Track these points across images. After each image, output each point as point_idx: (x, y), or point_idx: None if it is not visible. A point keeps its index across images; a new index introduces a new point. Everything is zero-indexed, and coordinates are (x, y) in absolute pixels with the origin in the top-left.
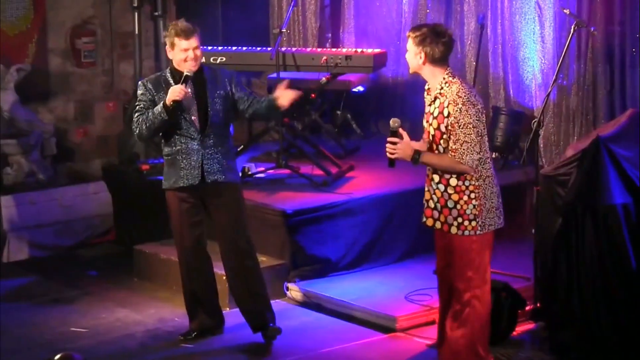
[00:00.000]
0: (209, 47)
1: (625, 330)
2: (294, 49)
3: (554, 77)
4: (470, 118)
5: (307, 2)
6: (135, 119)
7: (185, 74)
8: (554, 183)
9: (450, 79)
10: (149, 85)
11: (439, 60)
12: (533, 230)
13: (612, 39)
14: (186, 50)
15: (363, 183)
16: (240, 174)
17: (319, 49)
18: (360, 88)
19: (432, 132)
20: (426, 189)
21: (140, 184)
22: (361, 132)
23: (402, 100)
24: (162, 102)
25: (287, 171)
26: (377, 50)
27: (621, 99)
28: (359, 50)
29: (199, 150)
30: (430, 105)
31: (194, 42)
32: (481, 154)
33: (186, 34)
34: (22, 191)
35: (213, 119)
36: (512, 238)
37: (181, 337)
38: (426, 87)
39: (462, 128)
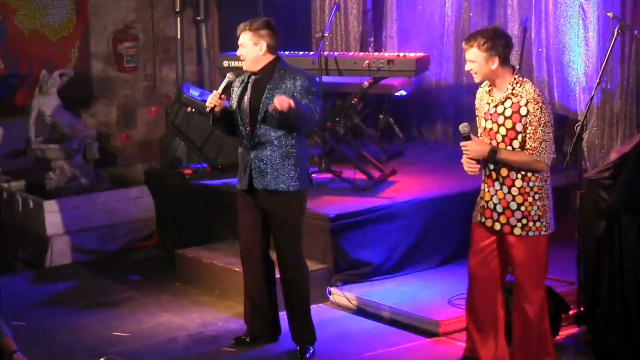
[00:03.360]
0: None
1: None
2: (336, 53)
3: (598, 80)
4: (550, 117)
5: (349, 6)
6: None
7: (227, 76)
8: (598, 187)
9: (520, 78)
10: (235, 80)
11: (508, 60)
12: (577, 234)
13: None
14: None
15: (405, 187)
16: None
17: (361, 53)
18: (403, 92)
19: (503, 132)
20: (485, 189)
21: (183, 189)
22: (403, 136)
23: (445, 104)
24: None
25: (329, 175)
26: (419, 54)
27: None
28: (402, 54)
29: (249, 154)
30: (497, 106)
31: (240, 39)
32: (555, 154)
33: (238, 31)
34: (64, 196)
35: (262, 123)
36: (555, 242)
37: (234, 340)
38: (487, 89)
39: (542, 126)
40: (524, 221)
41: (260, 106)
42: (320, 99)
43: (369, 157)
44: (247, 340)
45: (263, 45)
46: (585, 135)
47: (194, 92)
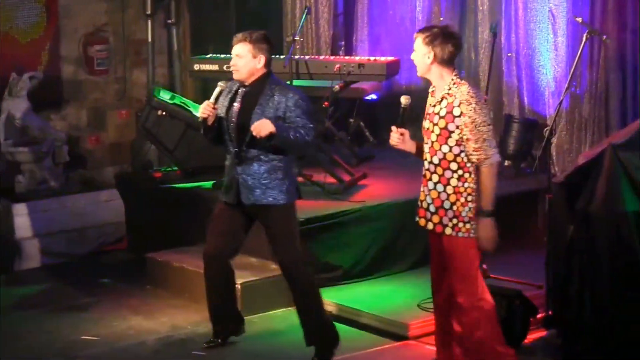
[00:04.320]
0: (222, 55)
1: (637, 340)
2: (307, 57)
3: (567, 85)
4: (485, 116)
5: (320, 10)
6: None
7: (219, 85)
8: (567, 191)
9: (458, 80)
10: (226, 88)
11: (448, 61)
12: (545, 238)
13: (625, 47)
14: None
15: (376, 191)
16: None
17: (332, 57)
18: (373, 96)
19: (437, 131)
20: (422, 188)
21: (153, 192)
22: (374, 140)
23: (415, 108)
24: None
25: (300, 179)
26: (390, 58)
27: (633, 107)
28: (372, 58)
29: (236, 168)
30: (434, 106)
31: (236, 49)
32: (498, 147)
33: (234, 39)
34: (34, 199)
35: (250, 138)
36: (524, 246)
37: (205, 344)
38: (430, 90)
39: (479, 126)
40: (455, 221)
41: (250, 122)
42: (312, 119)
43: (340, 161)
44: (219, 342)
45: (262, 59)
46: (555, 140)
47: (165, 96)
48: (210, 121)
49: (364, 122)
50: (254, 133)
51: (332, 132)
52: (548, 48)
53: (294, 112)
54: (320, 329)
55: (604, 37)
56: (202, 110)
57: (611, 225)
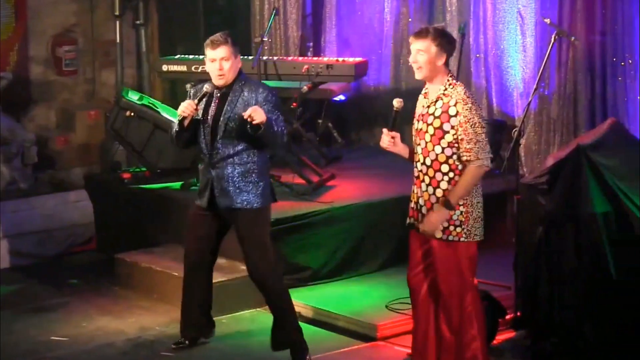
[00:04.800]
0: (190, 56)
1: (606, 340)
2: (275, 57)
3: (535, 86)
4: (479, 118)
5: (288, 11)
6: (172, 128)
7: (204, 89)
8: (535, 192)
9: (454, 81)
10: (192, 91)
11: (448, 62)
12: (514, 239)
13: (593, 48)
14: (213, 60)
15: (344, 192)
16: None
17: (300, 58)
18: (342, 97)
19: (431, 131)
20: (414, 190)
21: (122, 193)
22: (342, 141)
23: (384, 109)
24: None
25: None
26: (358, 59)
27: (602, 108)
28: (340, 59)
29: (210, 172)
30: (429, 106)
31: (220, 52)
32: (491, 154)
33: (213, 44)
34: (3, 200)
35: (222, 138)
36: (492, 246)
37: (173, 345)
38: (423, 91)
39: (473, 127)
40: (445, 224)
41: (220, 120)
42: (282, 112)
43: (308, 162)
44: (187, 343)
45: (239, 58)
46: (523, 141)
47: (133, 96)
48: (187, 122)
49: (333, 122)
50: (248, 114)
51: (301, 133)
52: (516, 49)
53: (264, 107)
54: (292, 335)
55: (573, 38)
56: (184, 109)
57: (580, 227)
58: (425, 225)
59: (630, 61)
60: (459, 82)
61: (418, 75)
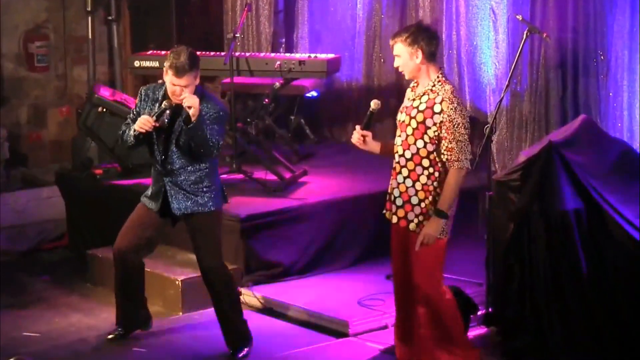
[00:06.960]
0: (163, 52)
1: (577, 337)
2: (247, 53)
3: (507, 82)
4: (464, 119)
5: (260, 7)
6: (122, 128)
7: (164, 105)
8: (507, 189)
9: (444, 79)
10: (144, 95)
11: (434, 55)
12: (485, 236)
13: (565, 45)
14: (174, 85)
15: (316, 188)
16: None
17: (272, 54)
18: (314, 93)
19: (413, 125)
20: (390, 182)
21: (94, 189)
22: (314, 137)
23: (356, 105)
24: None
25: (240, 176)
26: (330, 56)
27: (573, 105)
28: (313, 55)
29: (162, 179)
30: (414, 100)
31: (183, 81)
32: (471, 155)
33: (177, 72)
34: None
35: (174, 151)
36: (464, 243)
37: (110, 336)
38: (412, 85)
39: (456, 127)
40: (421, 218)
41: (173, 132)
42: (224, 133)
43: (280, 158)
44: (122, 332)
45: (199, 75)
46: (495, 137)
47: (105, 93)
48: (142, 135)
49: (305, 119)
50: (184, 99)
51: (273, 129)
52: (489, 45)
53: (209, 120)
54: (242, 329)
55: (545, 34)
56: (141, 125)
57: (551, 223)
58: (424, 238)
59: (602, 58)
60: (449, 81)
61: (406, 76)
